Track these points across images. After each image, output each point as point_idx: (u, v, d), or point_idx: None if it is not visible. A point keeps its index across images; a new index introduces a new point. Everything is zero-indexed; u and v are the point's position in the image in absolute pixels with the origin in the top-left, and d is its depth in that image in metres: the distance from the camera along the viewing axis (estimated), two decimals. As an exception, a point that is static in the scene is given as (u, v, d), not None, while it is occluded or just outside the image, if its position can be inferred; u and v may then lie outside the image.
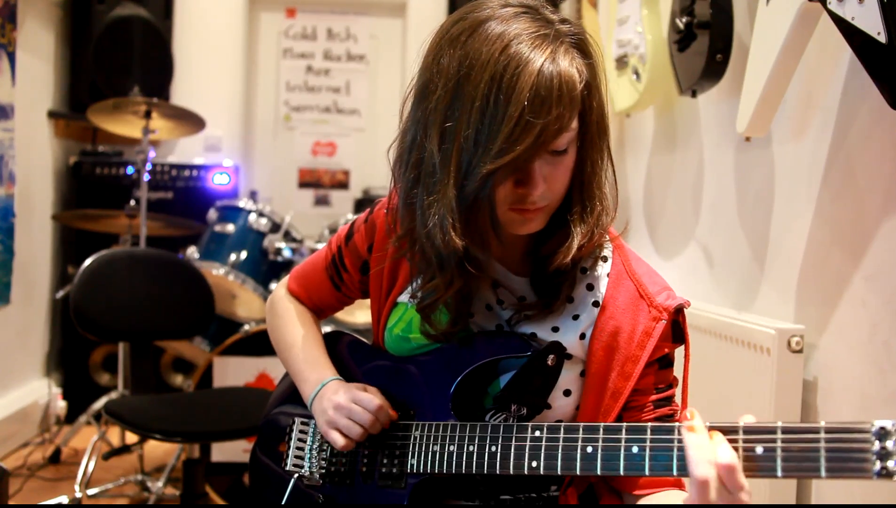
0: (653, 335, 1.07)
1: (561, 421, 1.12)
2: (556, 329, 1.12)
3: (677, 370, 1.16)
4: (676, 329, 1.10)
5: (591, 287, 1.13)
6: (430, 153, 1.01)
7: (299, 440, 1.27)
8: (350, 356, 1.31)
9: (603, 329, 1.10)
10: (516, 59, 0.95)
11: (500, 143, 0.95)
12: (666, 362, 1.12)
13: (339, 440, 1.15)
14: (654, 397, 1.11)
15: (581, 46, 1.02)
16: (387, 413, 1.14)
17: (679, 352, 1.15)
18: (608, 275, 1.13)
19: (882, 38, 1.25)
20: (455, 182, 0.99)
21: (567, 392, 1.11)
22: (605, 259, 1.14)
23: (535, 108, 0.94)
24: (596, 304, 1.12)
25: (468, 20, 1.01)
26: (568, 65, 0.97)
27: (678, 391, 1.15)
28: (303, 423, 1.27)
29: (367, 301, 1.31)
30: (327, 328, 1.42)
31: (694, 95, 2.10)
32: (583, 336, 1.11)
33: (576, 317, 1.12)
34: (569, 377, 1.11)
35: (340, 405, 1.15)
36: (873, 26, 1.26)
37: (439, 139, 1.00)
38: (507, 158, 0.95)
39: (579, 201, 1.06)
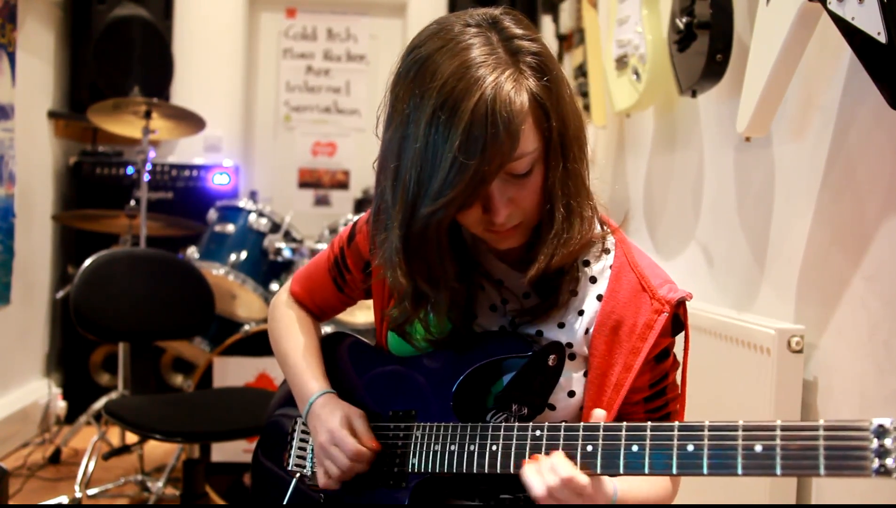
0: (654, 327, 1.07)
1: (565, 422, 1.12)
2: (562, 325, 1.12)
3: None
4: (676, 322, 1.11)
5: (594, 280, 1.13)
6: (385, 190, 1.03)
7: (301, 440, 1.27)
8: (350, 359, 1.31)
9: (605, 323, 1.10)
10: (453, 99, 0.94)
11: (438, 184, 0.95)
12: (663, 355, 1.12)
13: (321, 478, 1.18)
14: (647, 393, 1.12)
15: (537, 64, 0.99)
16: (367, 456, 1.14)
17: (678, 345, 1.16)
18: (610, 267, 1.13)
19: (882, 38, 1.25)
20: (401, 222, 1.01)
21: (571, 394, 1.12)
22: (607, 252, 1.15)
23: (467, 149, 0.94)
24: (599, 298, 1.12)
25: (425, 47, 1.00)
26: (513, 93, 0.95)
27: (678, 376, 1.16)
28: (305, 424, 1.27)
29: (368, 301, 1.32)
30: (328, 329, 1.42)
31: (694, 95, 2.10)
32: (587, 332, 1.12)
33: (581, 312, 1.12)
34: (573, 378, 1.11)
35: (322, 446, 1.16)
36: (873, 26, 1.26)
37: (392, 177, 1.02)
38: (445, 199, 0.96)
39: (547, 220, 1.05)
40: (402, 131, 0.99)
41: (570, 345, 1.12)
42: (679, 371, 1.16)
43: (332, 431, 1.15)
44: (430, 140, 0.95)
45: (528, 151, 0.98)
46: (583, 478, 0.93)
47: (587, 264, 1.14)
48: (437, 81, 0.95)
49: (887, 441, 0.76)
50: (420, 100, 0.97)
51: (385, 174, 1.03)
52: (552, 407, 1.11)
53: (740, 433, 0.85)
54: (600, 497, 0.96)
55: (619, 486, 1.01)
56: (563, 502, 0.94)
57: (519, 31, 1.01)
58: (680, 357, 1.17)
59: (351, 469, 1.14)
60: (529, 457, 0.99)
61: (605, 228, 1.15)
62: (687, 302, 1.12)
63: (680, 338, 1.15)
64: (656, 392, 1.13)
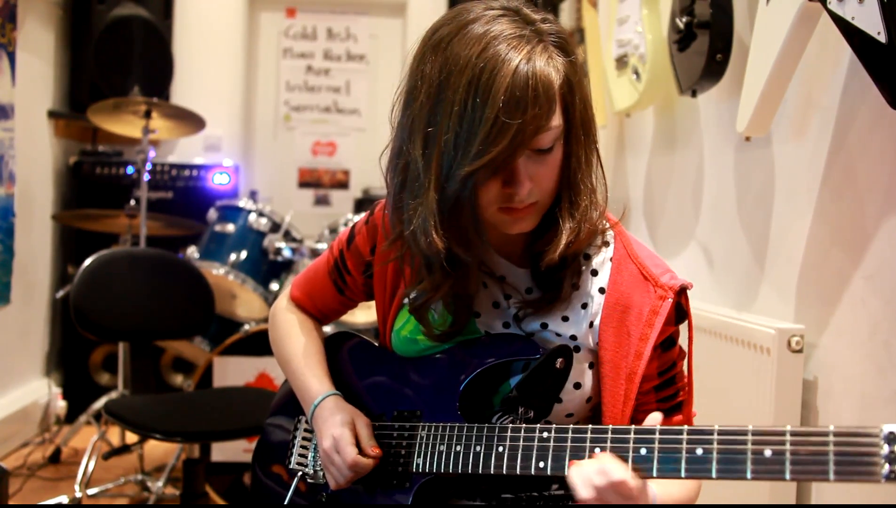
0: (660, 313, 1.08)
1: (571, 415, 1.12)
2: (566, 319, 1.13)
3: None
4: (679, 311, 1.12)
5: (595, 273, 1.14)
6: (414, 158, 1.04)
7: (304, 438, 1.27)
8: (354, 359, 1.31)
9: (611, 315, 1.11)
10: (492, 62, 0.97)
11: (478, 144, 0.97)
12: (669, 343, 1.13)
13: (331, 481, 1.17)
14: (656, 382, 1.12)
15: (561, 45, 1.03)
16: (366, 465, 1.13)
17: (682, 336, 1.16)
18: (611, 259, 1.15)
19: (882, 38, 1.25)
20: (436, 185, 1.01)
21: (577, 385, 1.12)
22: (606, 244, 1.16)
23: (510, 109, 0.96)
24: (602, 290, 1.13)
25: (450, 25, 1.03)
26: (544, 64, 0.99)
27: (685, 366, 1.17)
28: (307, 422, 1.27)
29: (369, 302, 1.32)
30: (328, 329, 1.41)
31: (694, 95, 2.10)
32: (591, 325, 1.12)
33: (584, 306, 1.13)
34: (578, 369, 1.12)
35: (325, 452, 1.16)
36: (873, 26, 1.26)
37: (422, 144, 1.02)
38: (485, 159, 0.97)
39: (567, 197, 1.08)
40: (434, 99, 1.01)
41: (574, 338, 1.12)
42: (685, 361, 1.17)
43: (336, 438, 1.14)
44: (470, 102, 0.97)
45: (556, 125, 1.01)
46: (634, 482, 0.91)
47: (587, 257, 1.15)
48: (474, 48, 0.98)
49: None
50: (455, 66, 0.99)
51: (413, 144, 1.04)
52: (559, 400, 1.12)
53: (750, 437, 0.85)
54: (645, 499, 0.96)
55: (658, 490, 1.01)
56: (609, 503, 0.92)
57: (538, 17, 1.04)
58: (684, 348, 1.17)
59: (351, 478, 1.14)
60: (570, 460, 0.97)
61: (604, 221, 1.16)
62: (688, 292, 1.13)
63: (683, 328, 1.15)
64: (665, 381, 1.13)
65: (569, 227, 1.07)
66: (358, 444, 1.14)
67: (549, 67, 0.99)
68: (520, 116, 0.96)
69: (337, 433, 1.14)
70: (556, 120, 1.01)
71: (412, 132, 1.04)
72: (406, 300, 1.20)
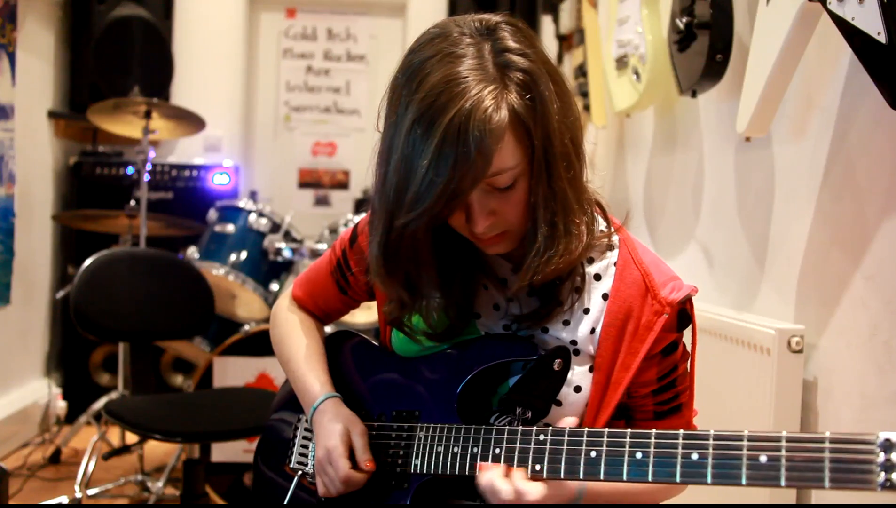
0: (653, 328, 1.07)
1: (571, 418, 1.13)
2: (566, 323, 1.12)
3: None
4: (683, 317, 1.11)
5: (598, 277, 1.13)
6: (373, 197, 1.06)
7: (304, 437, 1.27)
8: (355, 358, 1.31)
9: (611, 324, 1.10)
10: (430, 115, 0.95)
11: (411, 197, 0.97)
12: (670, 348, 1.12)
13: (321, 489, 1.17)
14: (655, 386, 1.12)
15: (524, 82, 0.98)
16: (359, 480, 1.13)
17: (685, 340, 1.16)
18: (615, 264, 1.13)
19: (882, 38, 1.25)
20: (381, 229, 1.04)
21: (577, 389, 1.12)
22: (611, 248, 1.15)
23: (437, 167, 0.95)
24: (605, 297, 1.12)
25: (417, 54, 1.01)
26: (491, 109, 0.94)
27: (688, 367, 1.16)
28: (307, 422, 1.27)
29: (370, 301, 1.32)
30: (328, 330, 1.41)
31: (694, 95, 2.10)
32: (593, 331, 1.12)
33: (586, 311, 1.12)
34: (579, 373, 1.11)
35: (319, 461, 1.16)
36: (873, 26, 1.26)
37: (380, 183, 1.04)
38: (415, 213, 0.98)
39: (531, 237, 1.04)
40: (388, 140, 1.02)
41: (574, 342, 1.12)
42: (688, 363, 1.16)
43: (329, 449, 1.14)
44: (407, 152, 0.97)
45: (509, 167, 0.98)
46: (532, 494, 0.95)
47: (591, 261, 1.14)
48: (421, 92, 0.97)
49: (894, 455, 0.75)
50: (405, 110, 0.98)
51: (376, 179, 1.06)
52: (559, 403, 1.11)
53: (745, 443, 0.85)
54: (561, 499, 0.98)
55: (588, 484, 1.02)
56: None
57: (513, 45, 1.00)
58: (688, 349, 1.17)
59: (342, 491, 1.14)
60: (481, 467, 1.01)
61: (609, 225, 1.15)
62: (693, 296, 1.12)
63: (687, 332, 1.15)
64: (664, 385, 1.13)
65: (526, 270, 1.04)
66: (353, 455, 1.14)
67: (495, 112, 0.94)
68: (447, 173, 0.94)
69: (331, 445, 1.14)
70: (511, 161, 0.97)
71: (377, 167, 1.05)
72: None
